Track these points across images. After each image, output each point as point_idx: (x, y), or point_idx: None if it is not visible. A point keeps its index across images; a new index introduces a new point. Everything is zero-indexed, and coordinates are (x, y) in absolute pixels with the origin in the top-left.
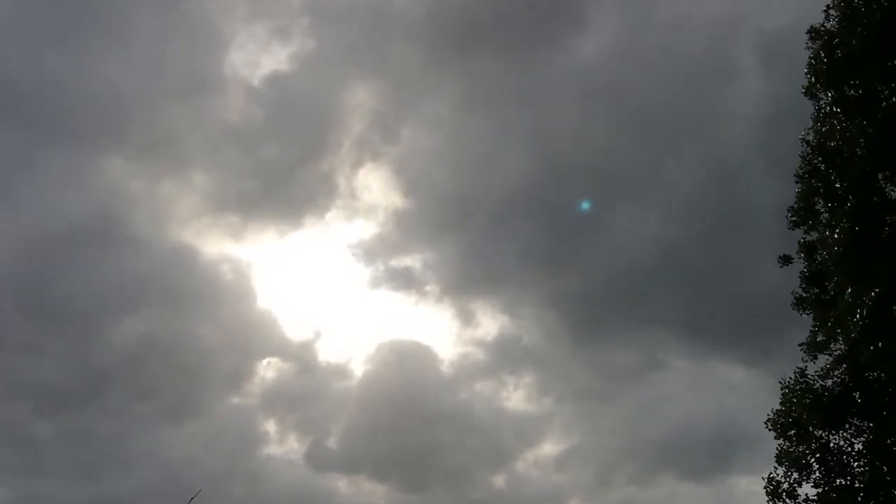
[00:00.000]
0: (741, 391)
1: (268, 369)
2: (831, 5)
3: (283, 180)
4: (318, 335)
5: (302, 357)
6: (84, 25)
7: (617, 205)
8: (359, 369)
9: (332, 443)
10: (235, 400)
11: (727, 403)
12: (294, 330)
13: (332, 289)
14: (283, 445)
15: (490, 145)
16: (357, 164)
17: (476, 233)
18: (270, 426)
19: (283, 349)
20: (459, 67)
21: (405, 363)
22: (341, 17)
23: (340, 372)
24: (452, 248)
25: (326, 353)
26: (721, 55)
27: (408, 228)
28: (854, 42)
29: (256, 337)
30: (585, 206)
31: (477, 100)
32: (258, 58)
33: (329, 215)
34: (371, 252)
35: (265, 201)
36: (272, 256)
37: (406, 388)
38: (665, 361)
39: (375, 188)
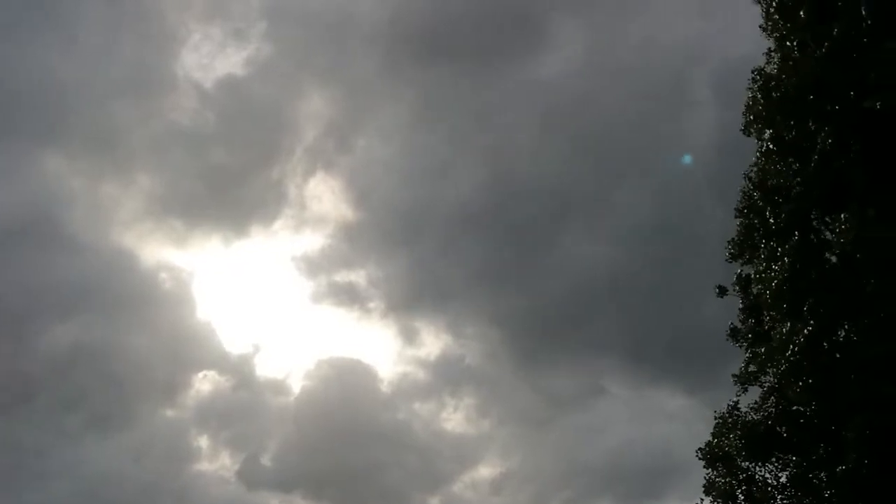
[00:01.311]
0: (680, 420)
1: (203, 382)
2: (772, 49)
3: (231, 186)
4: (257, 349)
5: (239, 371)
6: (28, 14)
7: (568, 227)
8: (297, 385)
9: (266, 460)
10: (168, 413)
11: (665, 431)
12: (233, 342)
13: (275, 301)
14: (214, 461)
15: (444, 160)
16: (309, 173)
17: (425, 249)
18: (203, 441)
19: (220, 362)
20: (418, 78)
21: (344, 381)
22: (300, 23)
23: (278, 387)
24: (400, 263)
25: (265, 368)
26: (679, 83)
27: (356, 242)
28: (791, 85)
29: (193, 348)
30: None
31: (434, 112)
32: (213, 60)
33: (277, 224)
34: (315, 265)
35: (211, 207)
36: (215, 265)
37: (344, 407)
38: (606, 387)
39: (326, 198)
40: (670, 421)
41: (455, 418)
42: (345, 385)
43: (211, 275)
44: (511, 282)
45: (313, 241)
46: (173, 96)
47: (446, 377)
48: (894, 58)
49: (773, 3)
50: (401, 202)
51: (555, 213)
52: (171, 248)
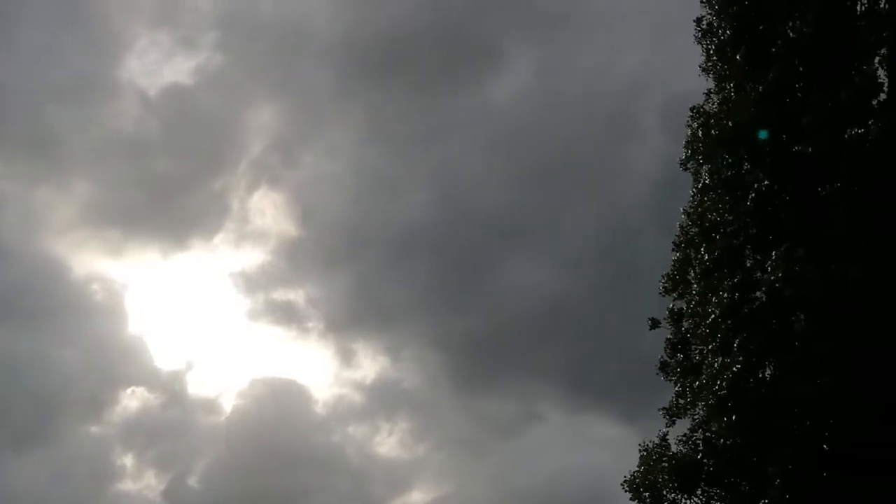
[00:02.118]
0: (615, 448)
1: (131, 399)
2: (712, 90)
3: (172, 197)
4: (189, 366)
5: (170, 388)
6: None
7: (512, 252)
8: (229, 405)
9: (193, 481)
10: (92, 429)
11: (599, 459)
12: (165, 358)
13: (211, 318)
14: (139, 481)
15: (392, 179)
16: (253, 187)
17: (367, 269)
18: (127, 460)
19: (150, 378)
20: (369, 96)
21: (278, 401)
22: (252, 34)
23: (209, 406)
24: (341, 283)
25: (197, 386)
26: (627, 113)
27: (297, 259)
28: (728, 125)
29: (122, 363)
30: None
31: (383, 131)
32: (159, 67)
33: (217, 238)
34: (254, 282)
35: (150, 218)
36: (151, 277)
37: (276, 428)
38: (543, 414)
39: (269, 213)
40: (606, 449)
41: (389, 442)
42: (278, 406)
43: (146, 287)
44: (454, 305)
45: (254, 256)
46: (116, 102)
47: (383, 400)
48: (825, 105)
49: (713, 45)
50: (345, 221)
51: (500, 238)
52: (106, 259)
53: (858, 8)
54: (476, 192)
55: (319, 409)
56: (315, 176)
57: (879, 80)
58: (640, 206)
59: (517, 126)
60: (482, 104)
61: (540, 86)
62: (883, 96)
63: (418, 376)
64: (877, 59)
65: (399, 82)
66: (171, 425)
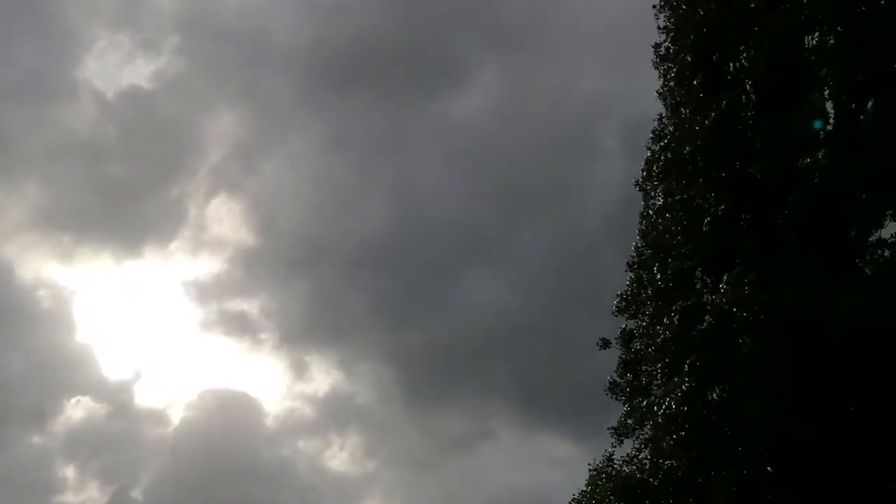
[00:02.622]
0: (565, 467)
1: (76, 408)
2: (664, 115)
3: (127, 202)
4: (138, 376)
5: (116, 398)
6: None
7: (470, 269)
8: (177, 416)
9: (137, 493)
10: (34, 439)
11: (550, 478)
12: (112, 368)
13: (162, 327)
14: (80, 494)
15: (352, 191)
16: (211, 194)
17: (324, 281)
18: (69, 471)
19: (96, 388)
20: (332, 106)
21: (228, 413)
22: (215, 40)
23: (157, 418)
24: (296, 295)
25: (144, 397)
26: (588, 133)
27: (253, 269)
28: (683, 150)
29: (68, 372)
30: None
31: (345, 142)
32: (119, 70)
33: (173, 245)
34: (208, 291)
35: (103, 223)
36: (102, 284)
37: (225, 441)
38: (495, 431)
39: (227, 222)
40: (557, 467)
41: (340, 457)
42: (228, 418)
43: (96, 294)
44: (409, 320)
45: (209, 265)
46: (72, 104)
47: (334, 414)
48: (777, 133)
49: (671, 72)
50: (304, 231)
51: (458, 254)
52: (55, 264)
53: (808, 42)
54: (436, 207)
55: (270, 422)
56: (275, 185)
57: (828, 112)
58: (599, 225)
59: (479, 142)
60: (445, 119)
61: (503, 102)
62: (829, 128)
63: (371, 391)
64: (826, 91)
65: (363, 93)
66: (117, 436)
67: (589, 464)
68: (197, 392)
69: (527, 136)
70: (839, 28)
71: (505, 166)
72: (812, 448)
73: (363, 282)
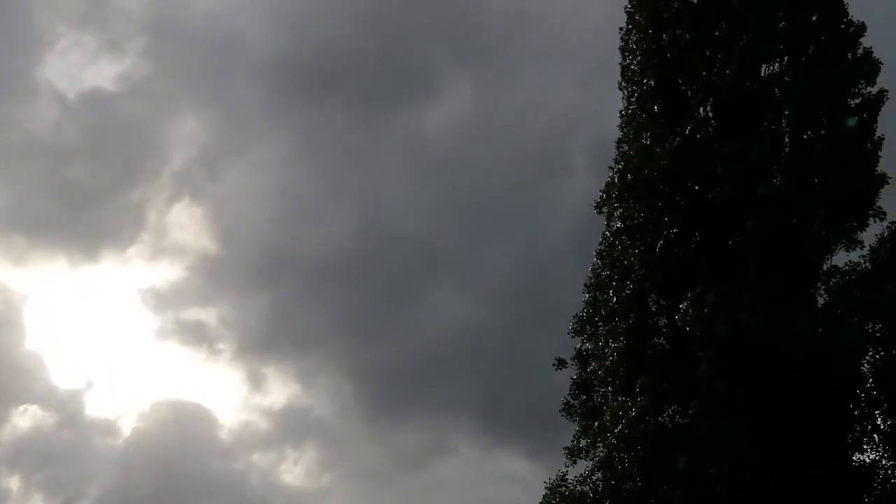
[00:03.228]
0: (521, 483)
1: (23, 417)
2: (623, 139)
3: (85, 205)
4: (89, 385)
5: (66, 407)
6: None
7: (434, 283)
8: (128, 427)
9: None
10: None
11: (508, 495)
12: (62, 376)
13: (116, 335)
14: None
15: (318, 201)
16: (173, 199)
17: (286, 292)
18: (13, 482)
19: (45, 396)
20: (300, 114)
21: (181, 425)
22: (183, 43)
23: (108, 428)
24: (257, 305)
25: (95, 406)
26: (558, 150)
27: (214, 278)
28: (644, 173)
29: (15, 379)
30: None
31: (313, 151)
32: (81, 70)
33: (131, 251)
34: (165, 299)
35: (60, 226)
36: (55, 289)
37: (177, 453)
38: (454, 447)
39: (189, 228)
40: (515, 484)
41: (295, 471)
42: (181, 430)
43: (48, 300)
44: (371, 334)
45: (169, 272)
46: (31, 104)
47: (291, 428)
48: (737, 158)
49: (634, 95)
50: (267, 240)
51: (422, 268)
52: (7, 267)
53: (768, 71)
54: (401, 220)
55: (224, 434)
56: (239, 192)
57: (785, 140)
58: (564, 243)
59: (447, 156)
60: (414, 131)
61: (474, 116)
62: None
63: (330, 404)
64: (783, 121)
65: (332, 103)
66: (65, 447)
67: (545, 482)
68: (150, 403)
69: (496, 151)
70: (798, 59)
71: (473, 181)
72: (766, 468)
73: (325, 294)
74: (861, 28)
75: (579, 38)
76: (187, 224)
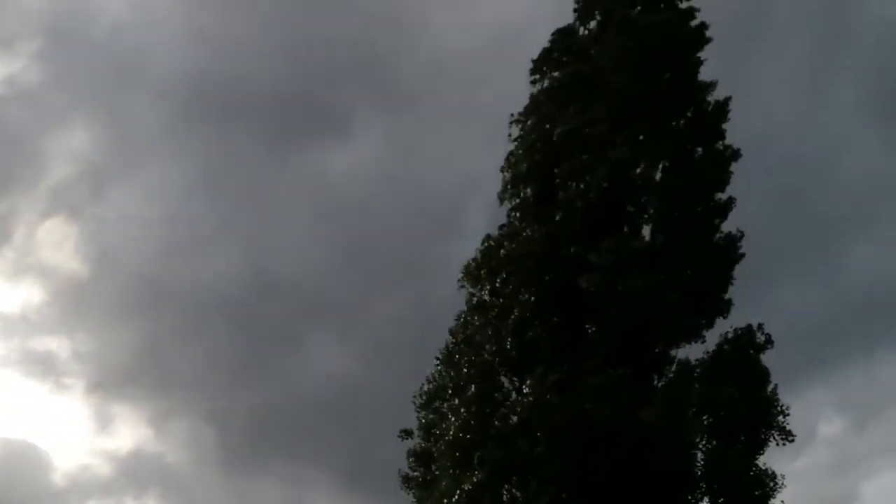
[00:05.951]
0: None
1: None
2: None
3: None
4: None
5: None
6: None
7: (316, 332)
8: None
9: None
10: None
11: None
12: None
13: None
14: None
15: (206, 234)
16: (47, 215)
17: (154, 328)
18: None
19: None
20: (201, 142)
21: (9, 466)
22: (82, 53)
23: None
24: (119, 338)
25: None
26: (458, 208)
27: (77, 305)
28: (513, 255)
29: None
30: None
31: (210, 183)
32: None
33: None
34: (13, 324)
35: None
36: None
37: (2, 496)
38: (313, 503)
39: (60, 247)
40: None
41: None
42: (7, 471)
43: None
44: (241, 379)
45: (29, 294)
46: None
47: (135, 475)
48: (607, 250)
49: (509, 177)
50: (144, 270)
51: (306, 316)
52: None
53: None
54: (290, 264)
55: (59, 478)
56: (123, 215)
57: (645, 239)
58: (451, 302)
59: (348, 202)
60: (317, 173)
61: (381, 163)
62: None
63: (183, 451)
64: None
65: (237, 135)
66: None
67: None
68: None
69: (397, 201)
70: (665, 164)
71: (370, 229)
72: None
73: (198, 332)
74: (736, 153)
75: (496, 93)
76: (58, 243)
